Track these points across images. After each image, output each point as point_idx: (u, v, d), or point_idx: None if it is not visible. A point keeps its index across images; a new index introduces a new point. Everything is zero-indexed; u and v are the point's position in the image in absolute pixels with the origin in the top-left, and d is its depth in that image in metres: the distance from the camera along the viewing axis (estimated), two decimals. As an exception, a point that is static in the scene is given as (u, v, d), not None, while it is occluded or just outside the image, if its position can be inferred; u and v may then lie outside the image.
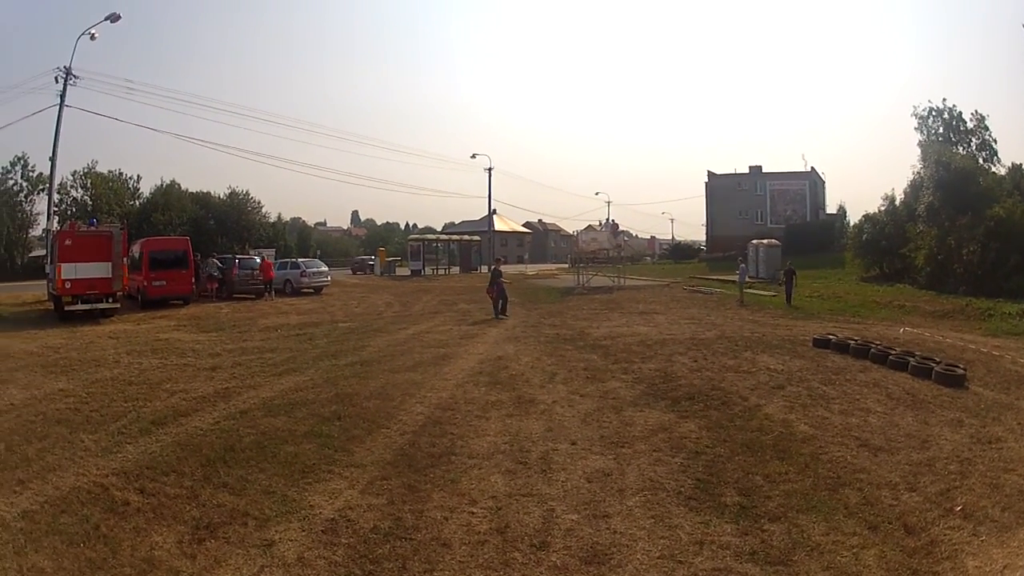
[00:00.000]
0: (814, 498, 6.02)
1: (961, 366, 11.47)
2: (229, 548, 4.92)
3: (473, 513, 5.59)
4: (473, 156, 60.86)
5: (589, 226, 39.85)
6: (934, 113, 45.08)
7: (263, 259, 30.38)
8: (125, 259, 22.42)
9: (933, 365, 11.25)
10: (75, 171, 52.17)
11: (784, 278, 25.21)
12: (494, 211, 62.66)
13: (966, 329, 18.36)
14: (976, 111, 44.60)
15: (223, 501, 5.74)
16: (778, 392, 9.97)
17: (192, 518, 5.41)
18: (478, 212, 75.51)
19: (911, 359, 11.75)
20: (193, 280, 24.54)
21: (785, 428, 8.13)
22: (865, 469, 6.80)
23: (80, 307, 19.12)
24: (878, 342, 13.69)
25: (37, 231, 49.17)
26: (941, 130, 44.54)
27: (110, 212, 48.10)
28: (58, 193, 46.74)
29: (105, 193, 51.91)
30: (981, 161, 40.15)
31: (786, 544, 5.12)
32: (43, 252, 23.36)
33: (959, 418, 8.82)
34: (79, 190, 51.97)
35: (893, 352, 12.34)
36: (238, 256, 30.64)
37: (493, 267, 22.29)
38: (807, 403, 9.35)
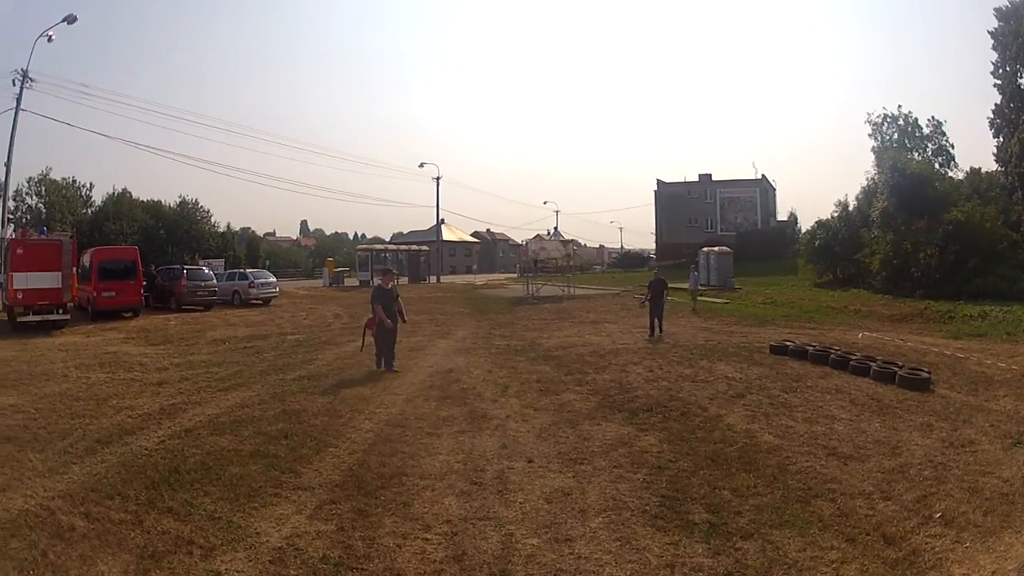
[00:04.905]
0: (786, 512, 5.84)
1: (926, 369, 11.47)
2: (175, 579, 4.64)
3: (427, 540, 5.31)
4: (421, 165, 61.26)
5: (538, 235, 39.55)
6: (888, 120, 46.57)
7: None
8: (75, 269, 21.80)
9: (896, 369, 11.23)
10: (30, 177, 50.94)
11: (648, 295, 17.79)
12: (442, 221, 63.13)
13: (926, 332, 18.59)
14: (933, 117, 46.26)
15: (168, 527, 5.41)
16: (738, 401, 9.88)
17: (137, 546, 5.09)
18: (427, 222, 75.94)
19: (872, 364, 11.71)
20: (142, 291, 24.02)
21: (749, 438, 8.02)
22: (836, 479, 6.68)
23: (32, 318, 18.70)
24: (837, 347, 13.69)
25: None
26: (896, 136, 46.02)
27: (63, 220, 46.95)
28: (13, 200, 45.61)
29: (59, 201, 50.78)
30: (938, 166, 41.50)
31: (762, 563, 4.91)
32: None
33: (928, 422, 8.79)
34: (33, 197, 50.84)
35: (853, 357, 12.30)
36: (187, 267, 29.99)
37: (378, 282, 14.17)
38: (769, 412, 9.26)
